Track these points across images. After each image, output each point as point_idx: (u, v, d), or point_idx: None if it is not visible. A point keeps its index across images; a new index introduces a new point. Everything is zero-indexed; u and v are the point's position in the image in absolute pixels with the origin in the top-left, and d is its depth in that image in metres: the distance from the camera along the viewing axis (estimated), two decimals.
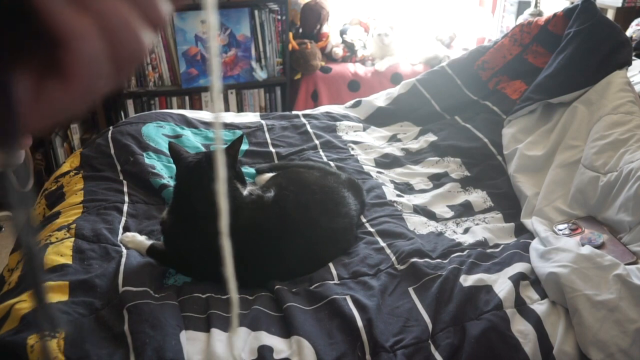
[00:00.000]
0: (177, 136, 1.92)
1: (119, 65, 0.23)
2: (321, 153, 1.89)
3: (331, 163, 1.80)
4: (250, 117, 2.16)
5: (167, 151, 1.83)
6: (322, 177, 1.51)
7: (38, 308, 0.29)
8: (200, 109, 3.01)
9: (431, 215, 1.59)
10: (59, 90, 0.22)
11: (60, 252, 1.28)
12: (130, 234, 1.40)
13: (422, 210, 1.60)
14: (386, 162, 1.88)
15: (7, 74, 0.21)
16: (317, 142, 1.95)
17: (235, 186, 1.32)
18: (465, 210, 1.62)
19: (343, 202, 1.44)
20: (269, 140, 1.96)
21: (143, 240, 1.37)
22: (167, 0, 0.25)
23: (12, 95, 0.21)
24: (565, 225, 1.46)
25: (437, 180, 1.78)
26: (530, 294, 1.21)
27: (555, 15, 2.07)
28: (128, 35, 0.23)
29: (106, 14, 0.22)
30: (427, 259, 1.33)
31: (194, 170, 1.30)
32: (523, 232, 1.50)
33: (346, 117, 2.18)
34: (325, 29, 3.21)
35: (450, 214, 1.61)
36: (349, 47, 3.21)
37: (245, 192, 1.35)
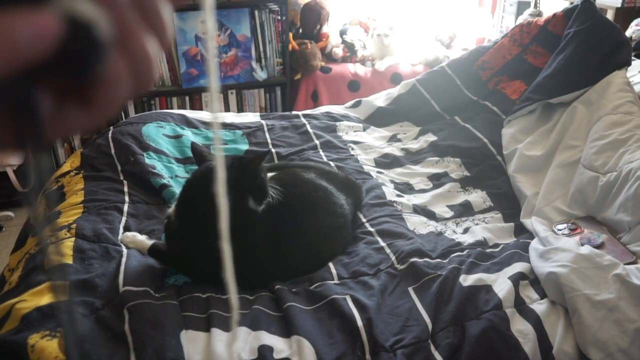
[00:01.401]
0: (178, 136, 1.92)
1: (135, 91, 0.24)
2: (321, 153, 1.89)
3: (331, 163, 1.80)
4: (250, 117, 2.16)
5: (167, 151, 1.83)
6: (317, 176, 1.51)
7: (58, 294, 0.30)
8: (201, 109, 3.01)
9: (431, 215, 1.59)
10: (79, 112, 0.23)
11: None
12: (130, 234, 1.40)
13: (421, 210, 1.60)
14: (386, 162, 1.88)
15: (35, 89, 0.22)
16: (317, 142, 1.96)
17: (240, 197, 1.24)
18: (465, 210, 1.62)
19: (337, 201, 1.44)
20: (269, 140, 1.96)
21: (144, 240, 1.37)
22: (169, 9, 0.25)
23: (39, 109, 0.22)
24: (565, 225, 1.46)
25: (437, 180, 1.78)
26: (529, 294, 1.21)
27: (554, 15, 2.08)
28: (148, 68, 0.24)
29: (138, 55, 0.23)
30: (426, 259, 1.33)
31: (206, 174, 1.27)
32: (522, 232, 1.51)
33: (346, 117, 2.18)
34: (325, 29, 3.21)
35: (450, 213, 1.61)
36: (349, 47, 3.21)
37: (260, 207, 1.27)
